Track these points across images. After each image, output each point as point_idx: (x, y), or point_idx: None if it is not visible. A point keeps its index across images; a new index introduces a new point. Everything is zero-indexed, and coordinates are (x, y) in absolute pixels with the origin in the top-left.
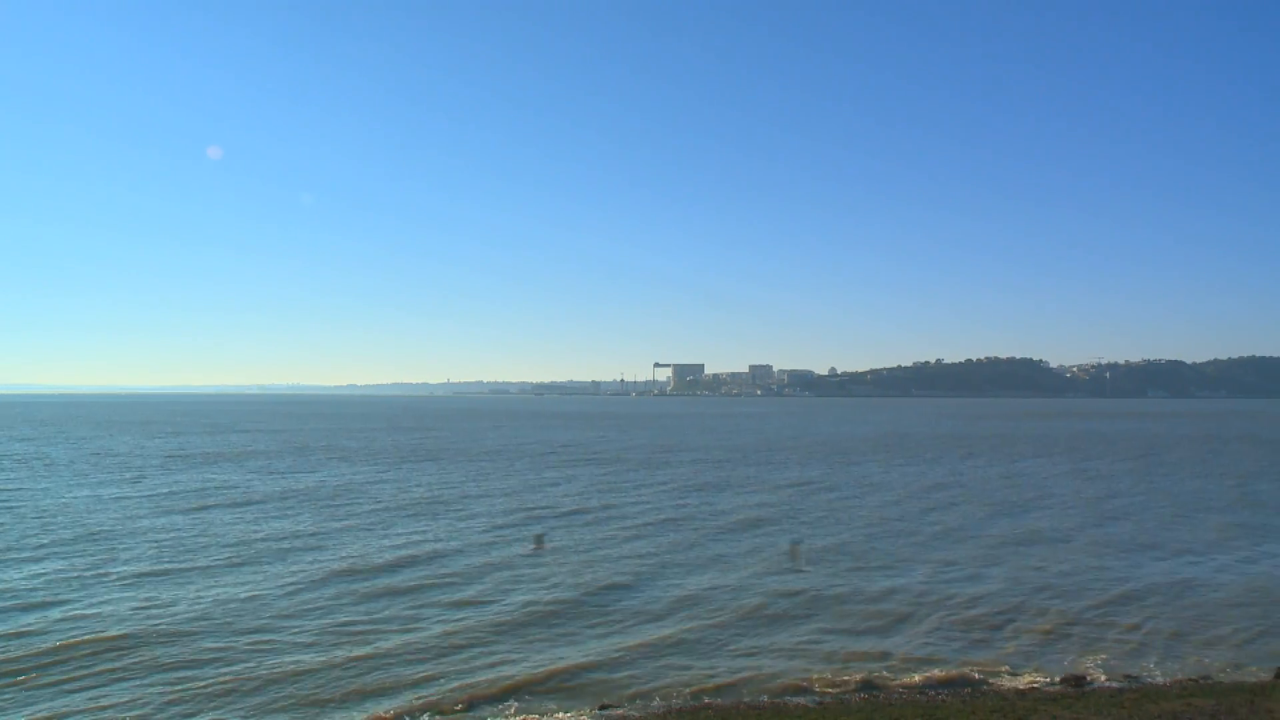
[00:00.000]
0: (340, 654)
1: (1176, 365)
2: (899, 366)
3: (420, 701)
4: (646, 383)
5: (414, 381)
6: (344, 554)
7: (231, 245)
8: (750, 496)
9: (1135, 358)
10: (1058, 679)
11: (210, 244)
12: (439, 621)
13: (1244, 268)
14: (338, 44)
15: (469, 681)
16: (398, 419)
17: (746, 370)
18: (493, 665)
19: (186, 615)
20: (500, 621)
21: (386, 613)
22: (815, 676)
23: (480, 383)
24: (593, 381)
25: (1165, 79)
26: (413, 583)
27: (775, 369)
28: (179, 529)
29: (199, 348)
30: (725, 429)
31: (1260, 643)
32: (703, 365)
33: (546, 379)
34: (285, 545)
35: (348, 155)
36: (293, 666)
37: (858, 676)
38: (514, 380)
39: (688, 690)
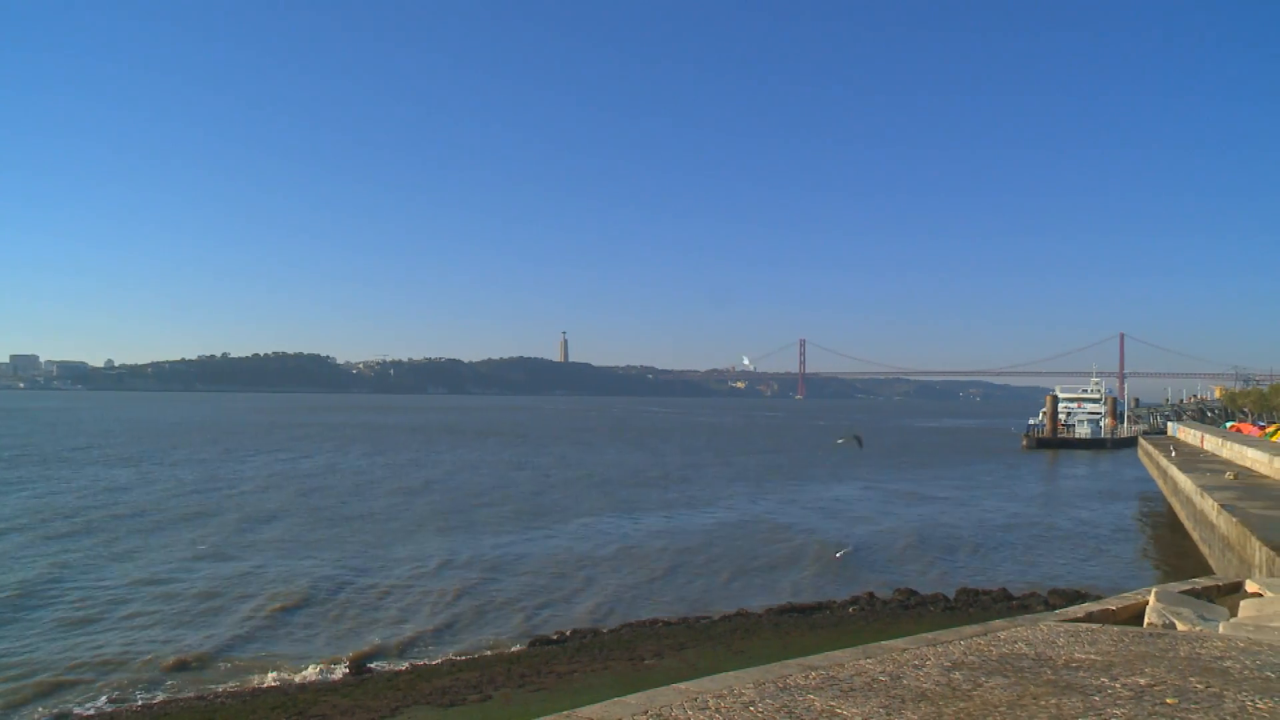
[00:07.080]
0: None
1: (455, 363)
2: (183, 360)
3: None
4: None
5: None
6: None
7: None
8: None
9: (418, 356)
10: (342, 668)
11: None
12: None
13: (516, 281)
14: None
15: None
16: None
17: (8, 360)
18: None
19: None
20: None
21: None
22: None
23: None
24: None
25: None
26: None
27: (43, 360)
28: None
29: None
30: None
31: (522, 614)
32: None
33: None
34: None
35: None
36: None
37: (129, 681)
38: None
39: None
